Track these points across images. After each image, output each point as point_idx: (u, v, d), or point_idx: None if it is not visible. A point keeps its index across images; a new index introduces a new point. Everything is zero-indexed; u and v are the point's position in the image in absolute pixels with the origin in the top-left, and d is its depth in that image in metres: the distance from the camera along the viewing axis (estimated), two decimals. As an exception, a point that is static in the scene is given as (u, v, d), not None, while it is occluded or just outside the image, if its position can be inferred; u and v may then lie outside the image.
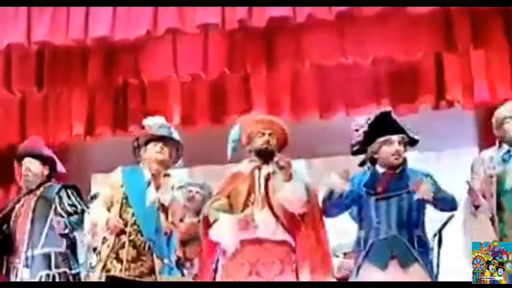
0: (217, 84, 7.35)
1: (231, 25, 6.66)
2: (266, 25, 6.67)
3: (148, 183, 5.10)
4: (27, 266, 5.49)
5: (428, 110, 6.93)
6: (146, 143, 5.26)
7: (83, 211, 5.53)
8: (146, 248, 5.02)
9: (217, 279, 4.80)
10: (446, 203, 4.82)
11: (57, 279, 5.47)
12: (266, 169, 4.92)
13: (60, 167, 5.94)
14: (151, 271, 4.99)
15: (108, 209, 5.16)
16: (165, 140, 5.25)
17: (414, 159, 5.19)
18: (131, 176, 5.21)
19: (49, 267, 5.49)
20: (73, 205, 5.61)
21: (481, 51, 6.76)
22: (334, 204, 4.88)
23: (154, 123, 5.37)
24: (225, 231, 4.78)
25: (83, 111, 7.50)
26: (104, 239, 5.12)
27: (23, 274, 5.48)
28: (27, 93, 7.64)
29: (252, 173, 4.92)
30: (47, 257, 5.52)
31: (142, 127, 5.38)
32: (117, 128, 7.49)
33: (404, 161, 4.96)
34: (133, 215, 5.07)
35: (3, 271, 5.60)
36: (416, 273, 4.70)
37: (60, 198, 5.65)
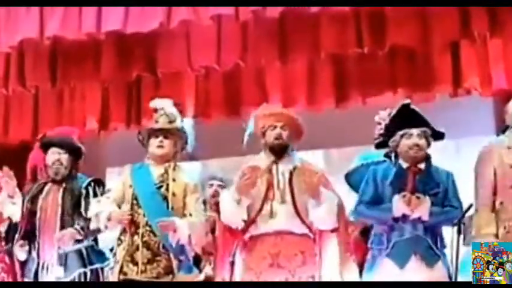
0: (232, 76, 7.30)
1: (245, 16, 6.61)
2: (280, 15, 6.62)
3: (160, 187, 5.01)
4: (61, 264, 5.45)
5: (445, 99, 6.86)
6: (149, 137, 5.17)
7: None
8: (161, 248, 4.96)
9: (236, 273, 4.76)
10: (443, 223, 4.80)
11: (88, 277, 5.44)
12: (284, 164, 4.88)
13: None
14: (169, 271, 4.94)
15: (119, 206, 5.09)
16: (164, 131, 5.14)
17: (432, 148, 5.12)
18: (139, 175, 5.12)
19: (84, 265, 5.47)
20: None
21: (498, 39, 6.67)
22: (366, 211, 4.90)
23: (157, 105, 5.26)
24: (227, 205, 4.77)
25: (96, 105, 7.50)
26: (119, 240, 5.06)
27: (58, 273, 5.44)
28: (40, 89, 7.65)
29: (269, 168, 4.87)
30: (79, 253, 5.49)
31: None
32: (131, 122, 7.48)
33: (428, 156, 4.89)
34: (144, 215, 4.99)
35: (33, 270, 5.53)
36: (439, 271, 4.70)
37: (87, 193, 5.60)
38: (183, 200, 5.06)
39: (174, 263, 4.95)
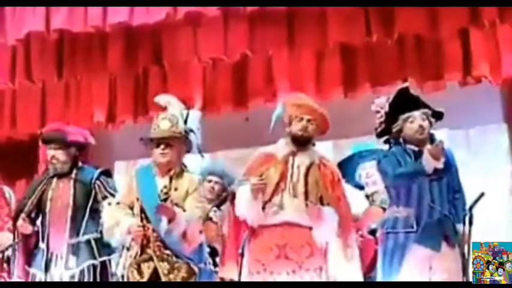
0: (239, 67, 7.24)
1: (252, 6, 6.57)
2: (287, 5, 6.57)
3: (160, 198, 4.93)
4: (73, 254, 5.49)
5: (455, 87, 6.80)
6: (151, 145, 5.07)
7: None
8: (174, 258, 4.91)
9: (244, 264, 4.72)
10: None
11: (98, 270, 5.48)
12: (302, 158, 4.86)
13: (91, 139, 5.95)
14: (192, 273, 4.90)
15: (131, 209, 5.05)
16: (165, 140, 5.03)
17: (443, 137, 5.08)
18: (144, 186, 5.04)
19: (93, 257, 5.50)
20: (112, 194, 5.55)
21: (507, 25, 6.60)
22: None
23: (161, 101, 5.15)
24: (244, 201, 4.73)
25: (103, 98, 7.46)
26: (128, 247, 5.01)
27: (68, 263, 5.48)
28: (47, 82, 7.63)
29: (285, 159, 4.84)
30: (88, 244, 5.51)
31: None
32: (138, 114, 7.42)
33: (432, 136, 4.88)
34: (153, 230, 4.93)
35: (42, 261, 5.54)
36: (455, 253, 4.68)
37: (100, 185, 5.64)
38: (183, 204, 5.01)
39: (196, 269, 4.92)
